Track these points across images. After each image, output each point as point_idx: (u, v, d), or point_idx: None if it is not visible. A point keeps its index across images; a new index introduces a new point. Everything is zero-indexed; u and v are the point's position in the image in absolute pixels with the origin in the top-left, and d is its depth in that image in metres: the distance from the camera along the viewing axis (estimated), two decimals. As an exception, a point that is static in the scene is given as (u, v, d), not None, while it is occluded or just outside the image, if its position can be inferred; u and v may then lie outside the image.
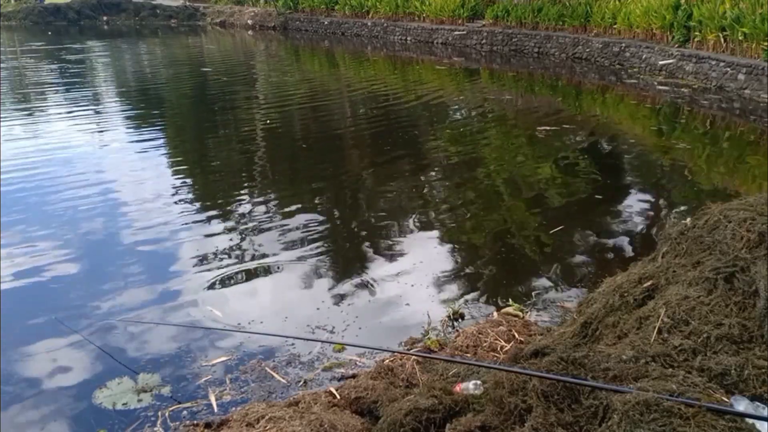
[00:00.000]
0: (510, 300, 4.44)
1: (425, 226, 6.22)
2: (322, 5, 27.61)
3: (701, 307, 2.65)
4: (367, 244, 5.81)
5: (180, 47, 24.66)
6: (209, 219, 6.34)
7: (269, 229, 6.08)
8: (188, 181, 7.72)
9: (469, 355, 3.62)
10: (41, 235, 5.81)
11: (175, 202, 6.79)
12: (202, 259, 5.36)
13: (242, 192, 7.30)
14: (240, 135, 10.31)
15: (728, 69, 13.20)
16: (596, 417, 2.21)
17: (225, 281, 4.99)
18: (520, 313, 4.24)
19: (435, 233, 6.05)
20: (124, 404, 3.45)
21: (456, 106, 13.02)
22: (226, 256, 5.43)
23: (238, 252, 5.53)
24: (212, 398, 3.48)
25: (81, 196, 6.92)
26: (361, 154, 9.28)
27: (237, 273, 5.13)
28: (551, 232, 5.89)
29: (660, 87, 13.99)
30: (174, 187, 7.33)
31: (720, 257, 2.83)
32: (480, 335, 3.78)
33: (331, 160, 8.89)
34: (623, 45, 17.11)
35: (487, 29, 21.14)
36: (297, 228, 6.08)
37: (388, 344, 3.99)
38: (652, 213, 6.61)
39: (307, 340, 4.05)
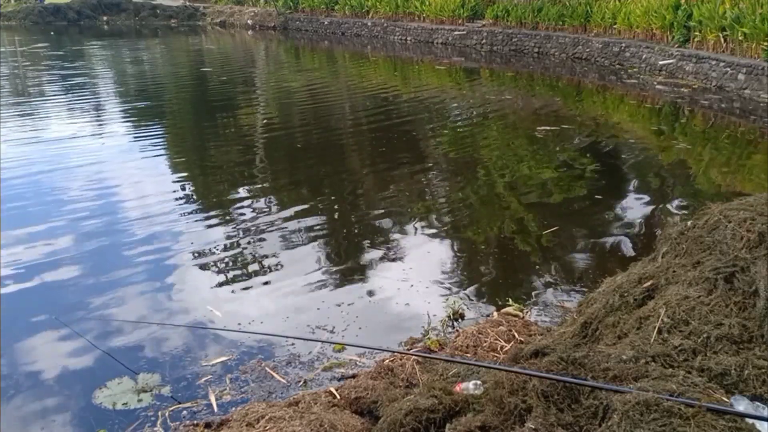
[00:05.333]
0: (510, 300, 4.44)
1: (425, 226, 6.21)
2: (322, 5, 27.62)
3: (701, 307, 2.65)
4: (367, 243, 5.81)
5: (180, 47, 24.66)
6: (209, 219, 6.34)
7: (269, 228, 6.08)
8: (188, 181, 7.72)
9: (469, 355, 3.62)
10: (41, 235, 5.81)
11: (175, 203, 6.79)
12: (202, 259, 5.35)
13: (242, 192, 7.29)
14: (240, 135, 10.31)
15: (728, 69, 13.20)
16: (596, 417, 2.21)
17: (225, 281, 4.99)
18: (520, 313, 4.24)
19: (435, 233, 6.05)
20: (124, 404, 3.45)
21: (456, 106, 13.02)
22: (226, 256, 5.43)
23: (237, 252, 5.53)
24: (212, 398, 3.48)
25: (81, 196, 6.92)
26: (361, 155, 9.28)
27: (237, 273, 5.13)
28: (545, 232, 5.90)
29: (660, 87, 13.99)
30: (174, 188, 7.33)
31: (720, 257, 2.83)
32: (480, 335, 3.78)
33: (330, 160, 8.89)
34: (623, 45, 17.11)
35: (487, 29, 21.14)
36: (297, 228, 6.08)
37: (388, 344, 3.99)
38: (651, 213, 6.61)
39: (307, 340, 4.05)
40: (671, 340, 2.56)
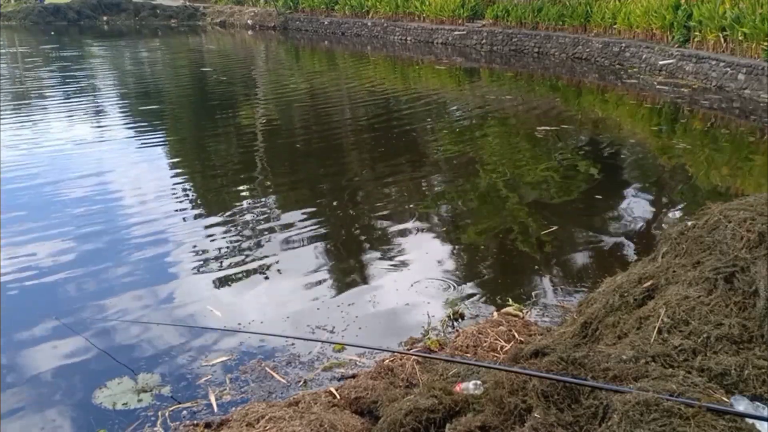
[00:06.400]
0: (510, 300, 4.44)
1: (425, 226, 6.21)
2: (322, 5, 27.62)
3: (701, 307, 2.65)
4: (366, 243, 5.81)
5: (180, 47, 24.65)
6: (208, 219, 6.34)
7: (269, 228, 6.08)
8: (188, 181, 7.72)
9: (469, 355, 3.62)
10: (41, 235, 5.81)
11: (175, 203, 6.79)
12: (202, 259, 5.35)
13: (242, 192, 7.29)
14: (239, 135, 10.31)
15: (728, 69, 13.20)
16: (596, 417, 2.21)
17: (225, 281, 4.99)
18: (520, 313, 4.24)
19: (435, 233, 6.05)
20: (124, 404, 3.45)
21: (456, 106, 13.01)
22: (226, 256, 5.43)
23: (237, 252, 5.53)
24: (212, 398, 3.48)
25: (81, 196, 6.91)
26: (361, 155, 9.28)
27: (237, 273, 5.13)
28: (545, 232, 5.89)
29: (660, 87, 13.98)
30: (174, 187, 7.33)
31: (720, 257, 2.83)
32: (480, 335, 3.78)
33: (330, 160, 8.89)
34: (623, 45, 17.11)
35: (487, 29, 21.14)
36: (297, 228, 6.08)
37: (388, 344, 3.99)
38: (652, 213, 6.61)
39: (307, 340, 4.05)
40: (671, 340, 2.56)
